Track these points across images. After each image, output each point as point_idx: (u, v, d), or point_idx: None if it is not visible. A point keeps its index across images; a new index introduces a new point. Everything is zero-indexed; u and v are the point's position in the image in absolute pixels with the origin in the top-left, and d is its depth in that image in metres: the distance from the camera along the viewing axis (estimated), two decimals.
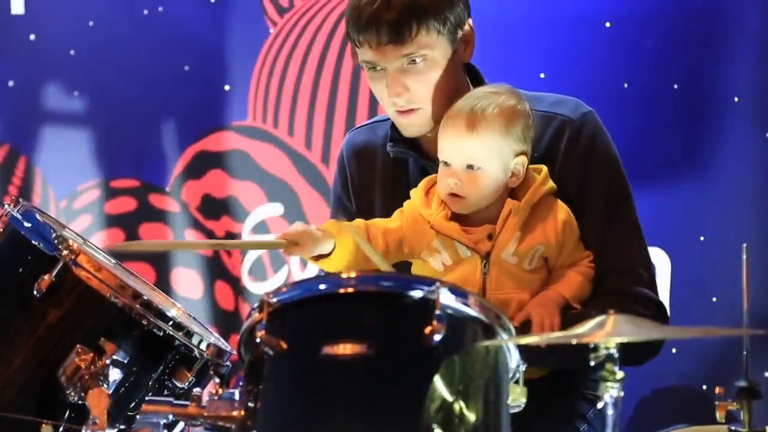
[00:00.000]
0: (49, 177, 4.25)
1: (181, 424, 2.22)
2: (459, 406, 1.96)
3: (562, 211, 2.47)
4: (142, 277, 2.63)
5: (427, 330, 1.96)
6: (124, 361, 2.31)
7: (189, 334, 2.37)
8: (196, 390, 2.11)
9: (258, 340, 2.00)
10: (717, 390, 2.04)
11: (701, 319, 3.60)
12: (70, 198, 4.25)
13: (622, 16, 3.71)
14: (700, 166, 3.66)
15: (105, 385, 2.24)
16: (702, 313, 3.61)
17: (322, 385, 1.99)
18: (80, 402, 2.26)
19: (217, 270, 4.17)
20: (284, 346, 2.00)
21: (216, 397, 2.07)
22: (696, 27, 3.66)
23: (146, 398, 2.25)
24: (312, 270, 3.98)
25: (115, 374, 2.29)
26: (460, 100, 2.46)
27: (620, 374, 1.92)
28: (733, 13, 3.64)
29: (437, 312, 1.96)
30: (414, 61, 2.47)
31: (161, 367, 2.35)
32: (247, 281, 4.15)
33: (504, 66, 3.75)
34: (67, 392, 2.26)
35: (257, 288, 4.13)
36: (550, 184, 2.48)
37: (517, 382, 2.06)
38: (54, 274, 2.31)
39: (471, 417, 1.97)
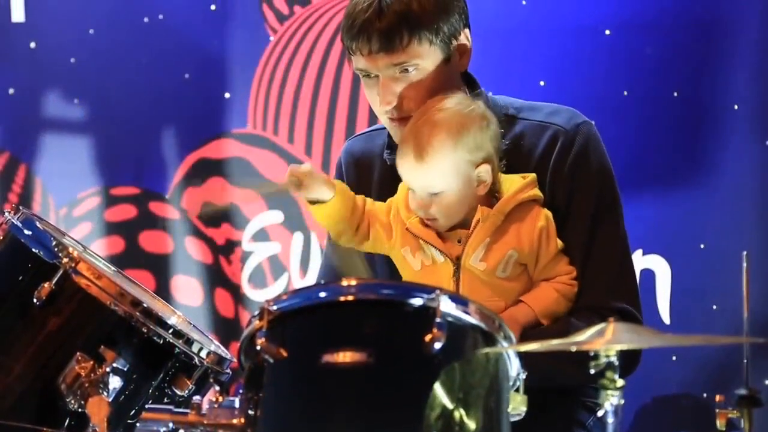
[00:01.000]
0: (49, 184, 4.25)
1: None
2: (459, 414, 1.96)
3: (542, 218, 2.46)
4: (142, 285, 2.64)
5: (428, 338, 1.96)
6: (124, 368, 2.31)
7: (189, 341, 2.37)
8: (196, 398, 2.11)
9: (258, 347, 2.00)
10: (717, 398, 2.03)
11: (701, 327, 3.60)
12: (70, 205, 4.25)
13: (621, 23, 3.71)
14: (700, 173, 3.65)
15: (105, 393, 2.24)
16: (702, 320, 3.61)
17: (323, 392, 1.99)
18: (80, 410, 2.26)
19: (217, 277, 4.17)
20: (284, 353, 2.00)
21: (216, 405, 2.07)
22: (696, 35, 3.66)
23: (146, 406, 2.25)
24: (312, 278, 3.98)
25: (115, 382, 2.29)
26: (409, 123, 2.44)
27: (620, 382, 1.91)
28: (732, 21, 3.64)
29: (437, 320, 1.97)
30: (406, 70, 2.47)
31: (161, 375, 2.35)
32: (247, 289, 4.15)
33: (504, 74, 3.75)
34: (67, 400, 2.26)
35: (257, 295, 4.13)
36: (533, 192, 2.47)
37: (517, 390, 2.06)
38: (54, 281, 2.31)
39: (471, 425, 1.97)
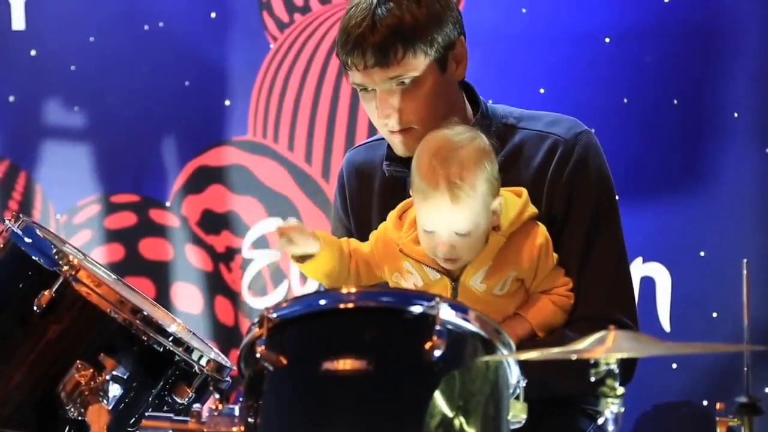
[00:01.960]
0: (49, 192, 4.26)
1: None
2: (459, 421, 1.96)
3: (540, 236, 2.44)
4: (142, 292, 2.63)
5: (427, 345, 1.96)
6: (124, 376, 2.31)
7: (189, 349, 2.36)
8: (196, 406, 2.10)
9: (258, 355, 2.00)
10: (718, 406, 2.03)
11: (702, 335, 3.60)
12: (70, 213, 4.25)
13: (621, 31, 3.71)
14: (700, 181, 3.66)
15: (105, 401, 2.24)
16: (702, 328, 3.61)
17: (322, 400, 1.99)
18: (80, 418, 2.25)
19: (217, 285, 4.17)
20: (284, 361, 2.00)
21: (216, 413, 2.07)
22: (696, 42, 3.67)
23: (146, 414, 2.25)
24: (312, 285, 3.98)
25: (114, 390, 2.29)
26: (425, 161, 2.35)
27: (620, 390, 1.91)
28: (732, 29, 3.64)
29: (437, 327, 1.96)
30: (402, 82, 2.46)
31: (161, 383, 2.35)
32: (247, 296, 4.15)
33: (504, 82, 3.75)
34: (67, 408, 2.26)
35: (257, 303, 4.13)
36: (531, 209, 2.45)
37: (517, 398, 2.06)
38: (54, 289, 2.31)
39: None
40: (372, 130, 3.99)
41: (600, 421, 1.92)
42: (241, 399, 2.06)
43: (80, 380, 2.25)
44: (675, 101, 3.69)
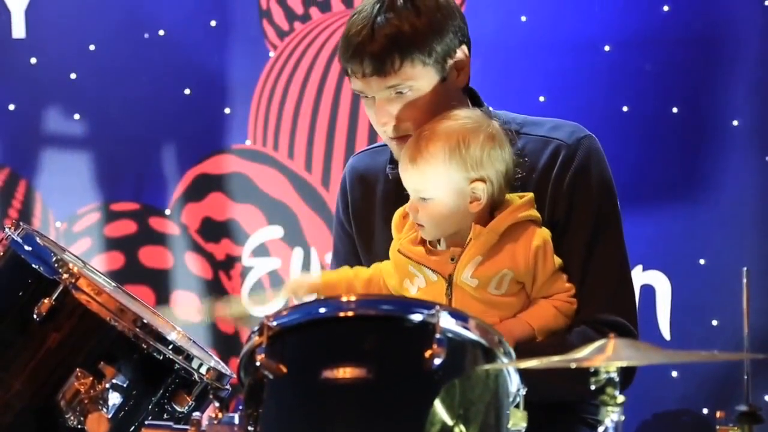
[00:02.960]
0: (49, 200, 4.26)
1: None
2: (459, 430, 1.96)
3: (538, 238, 2.44)
4: (142, 300, 2.63)
5: (428, 354, 1.96)
6: (124, 384, 2.30)
7: (189, 357, 2.36)
8: (196, 414, 2.10)
9: (258, 363, 2.00)
10: (718, 414, 2.03)
11: (701, 343, 3.60)
12: (70, 221, 4.25)
13: (621, 40, 3.72)
14: (699, 189, 3.66)
15: (104, 409, 2.24)
16: (702, 336, 3.61)
17: (322, 408, 1.98)
18: (79, 426, 2.25)
19: (216, 293, 4.16)
20: (284, 369, 2.00)
21: (216, 421, 2.07)
22: (695, 51, 3.67)
23: (146, 422, 2.25)
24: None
25: (114, 398, 2.29)
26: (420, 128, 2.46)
27: (621, 398, 1.91)
28: (732, 38, 3.65)
29: (437, 335, 1.96)
30: (400, 91, 2.47)
31: (161, 391, 2.35)
32: (246, 304, 4.15)
33: (504, 89, 3.76)
34: (67, 416, 2.26)
35: (257, 311, 4.13)
36: (528, 212, 2.45)
37: (517, 406, 2.06)
38: (54, 297, 2.31)
39: None
40: (372, 137, 3.99)
41: (600, 429, 1.92)
42: (240, 407, 2.06)
43: (80, 388, 2.25)
44: (674, 109, 3.69)
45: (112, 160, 4.24)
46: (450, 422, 1.95)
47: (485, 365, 2.01)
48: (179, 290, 4.18)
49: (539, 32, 3.77)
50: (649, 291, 3.68)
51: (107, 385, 2.26)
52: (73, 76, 4.21)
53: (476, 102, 2.60)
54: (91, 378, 2.26)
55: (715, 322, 3.60)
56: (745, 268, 2.05)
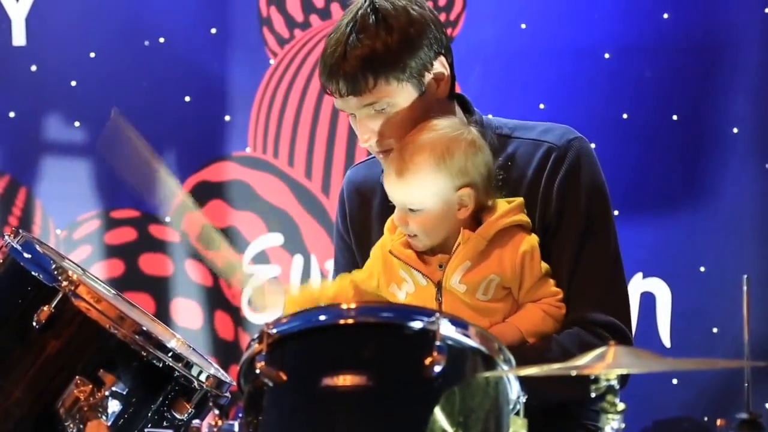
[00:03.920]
0: (49, 207, 4.26)
1: None
2: None
3: (525, 243, 2.44)
4: (142, 308, 2.63)
5: (428, 361, 1.95)
6: (123, 392, 2.30)
7: (188, 365, 2.36)
8: (196, 421, 2.10)
9: (257, 371, 1.99)
10: (718, 422, 2.03)
11: (702, 350, 3.59)
12: (70, 228, 4.25)
13: (621, 47, 3.72)
14: (699, 196, 3.66)
15: (104, 417, 2.24)
16: (702, 343, 3.61)
17: (322, 416, 1.98)
18: None
19: (216, 300, 4.16)
20: (284, 377, 2.00)
21: (215, 429, 2.07)
22: (695, 58, 3.68)
23: (145, 430, 2.24)
24: None
25: (114, 406, 2.29)
26: (402, 140, 2.46)
27: (621, 405, 1.91)
28: (732, 45, 3.65)
29: (437, 343, 1.96)
30: (379, 109, 2.48)
31: (160, 399, 2.34)
32: (246, 311, 4.15)
33: (504, 97, 3.76)
34: (66, 424, 2.26)
35: (257, 318, 4.13)
36: (517, 217, 2.46)
37: (517, 413, 2.05)
38: (53, 305, 2.30)
39: None
40: None
41: None
42: (240, 415, 2.06)
43: (79, 396, 2.25)
44: (674, 116, 3.70)
45: (112, 168, 4.24)
46: (450, 430, 1.95)
47: (485, 372, 2.01)
48: (179, 298, 4.18)
49: (539, 40, 3.77)
50: (649, 298, 3.68)
51: (107, 393, 2.26)
52: (73, 83, 4.21)
53: (466, 109, 2.60)
54: (90, 385, 2.26)
55: (715, 330, 3.60)
56: (745, 276, 2.05)
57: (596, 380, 1.89)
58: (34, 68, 4.22)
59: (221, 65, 4.15)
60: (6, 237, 2.44)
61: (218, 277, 4.17)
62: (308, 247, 4.08)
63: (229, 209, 4.16)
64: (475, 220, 2.47)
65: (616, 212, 2.62)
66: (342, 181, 2.77)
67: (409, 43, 2.46)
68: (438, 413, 1.95)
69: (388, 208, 2.59)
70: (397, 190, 2.44)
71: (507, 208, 2.46)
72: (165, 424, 2.35)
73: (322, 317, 2.04)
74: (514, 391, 2.06)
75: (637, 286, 3.63)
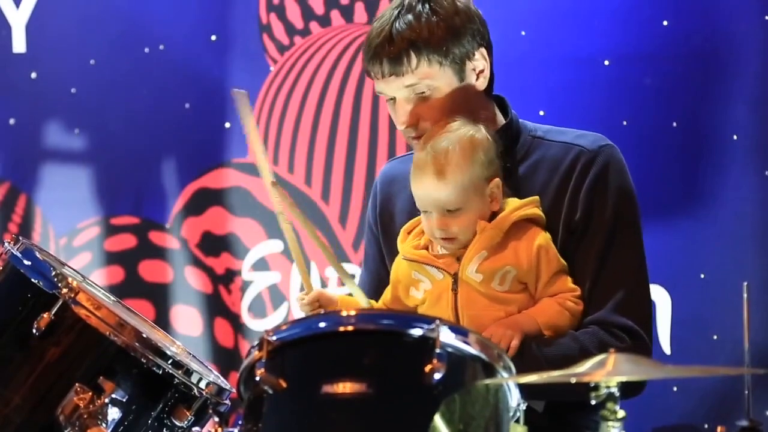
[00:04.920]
0: (49, 214, 4.26)
1: None
2: None
3: (539, 238, 2.48)
4: (142, 315, 2.63)
5: (428, 368, 1.96)
6: (123, 399, 2.30)
7: (188, 372, 2.36)
8: (196, 429, 2.10)
9: (257, 378, 2.00)
10: (719, 429, 2.03)
11: (702, 357, 3.59)
12: (70, 235, 4.25)
13: (621, 54, 3.72)
14: (699, 203, 3.66)
15: (104, 424, 2.24)
16: (703, 351, 3.60)
17: (322, 423, 1.98)
18: None
19: (216, 307, 4.16)
20: (284, 384, 2.00)
21: None
22: (695, 65, 3.68)
23: None
24: None
25: (113, 413, 2.29)
26: (419, 147, 2.50)
27: (621, 413, 1.91)
28: (731, 52, 3.65)
29: (437, 350, 1.96)
30: (419, 91, 2.52)
31: (160, 406, 2.34)
32: (246, 318, 4.14)
33: None
34: (66, 431, 2.25)
35: (257, 325, 4.12)
36: (532, 210, 2.49)
37: (517, 421, 2.05)
38: (53, 312, 2.31)
39: None
40: (373, 151, 3.99)
41: None
42: (240, 422, 2.06)
43: (79, 403, 2.25)
44: (674, 124, 3.70)
45: (112, 175, 4.24)
46: None
47: (485, 380, 2.01)
48: (179, 304, 4.18)
49: (539, 47, 3.78)
50: None
51: (106, 400, 2.26)
52: (73, 90, 4.21)
53: (504, 110, 2.64)
54: (90, 393, 2.26)
55: (715, 337, 3.60)
56: (745, 283, 2.05)
57: (596, 387, 1.89)
58: (34, 75, 4.23)
59: (221, 72, 4.15)
60: (6, 244, 2.44)
61: (218, 283, 4.17)
62: (308, 253, 4.08)
63: (229, 216, 4.16)
64: (489, 214, 2.50)
65: (639, 210, 2.63)
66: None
67: (454, 30, 2.54)
68: (438, 421, 1.94)
69: (412, 203, 2.61)
70: (436, 192, 2.46)
71: (522, 202, 2.50)
72: (165, 431, 2.35)
73: (322, 324, 2.04)
74: (514, 399, 2.06)
75: None
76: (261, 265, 4.13)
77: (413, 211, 2.61)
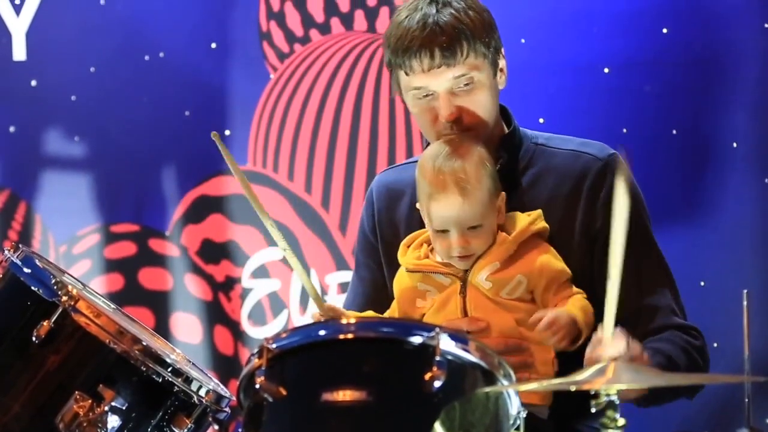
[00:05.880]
0: (49, 222, 4.26)
1: None
2: None
3: (548, 249, 2.49)
4: (142, 322, 2.63)
5: (428, 376, 1.96)
6: (123, 407, 2.30)
7: (188, 380, 2.36)
8: None
9: (257, 386, 1.99)
10: None
11: None
12: (70, 243, 4.25)
13: (621, 62, 3.73)
14: (699, 211, 3.66)
15: None
16: None
17: (322, 431, 1.98)
18: None
19: (216, 314, 4.16)
20: (283, 392, 2.00)
21: None
22: (695, 73, 3.68)
23: None
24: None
25: (113, 421, 2.28)
26: (429, 166, 2.48)
27: (621, 421, 1.91)
28: (731, 59, 3.65)
29: (437, 358, 1.96)
30: (464, 83, 2.53)
31: (160, 414, 2.34)
32: (246, 326, 4.14)
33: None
34: None
35: (257, 333, 4.12)
36: (542, 224, 2.50)
37: (517, 429, 2.05)
38: (53, 320, 2.30)
39: None
40: (372, 159, 4.00)
41: None
42: (240, 430, 2.06)
43: (79, 411, 2.25)
44: (674, 131, 3.70)
45: (112, 182, 4.24)
46: None
47: (485, 387, 2.01)
48: (179, 312, 4.18)
49: (539, 54, 3.78)
50: None
51: (106, 408, 2.26)
52: (73, 98, 4.21)
53: (507, 119, 2.65)
54: (90, 401, 2.26)
55: (715, 345, 3.59)
56: (745, 291, 2.05)
57: (597, 395, 1.89)
58: (34, 83, 4.23)
59: (221, 80, 4.15)
60: (6, 251, 2.44)
61: (218, 291, 4.17)
62: (308, 261, 4.08)
63: (229, 223, 4.16)
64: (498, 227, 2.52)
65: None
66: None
67: (489, 24, 2.58)
68: (438, 428, 1.94)
69: (414, 210, 2.61)
70: (462, 211, 2.44)
71: (534, 216, 2.51)
72: None
73: (322, 332, 2.04)
74: (514, 407, 2.05)
75: None
76: (261, 272, 4.13)
77: (412, 224, 2.61)
